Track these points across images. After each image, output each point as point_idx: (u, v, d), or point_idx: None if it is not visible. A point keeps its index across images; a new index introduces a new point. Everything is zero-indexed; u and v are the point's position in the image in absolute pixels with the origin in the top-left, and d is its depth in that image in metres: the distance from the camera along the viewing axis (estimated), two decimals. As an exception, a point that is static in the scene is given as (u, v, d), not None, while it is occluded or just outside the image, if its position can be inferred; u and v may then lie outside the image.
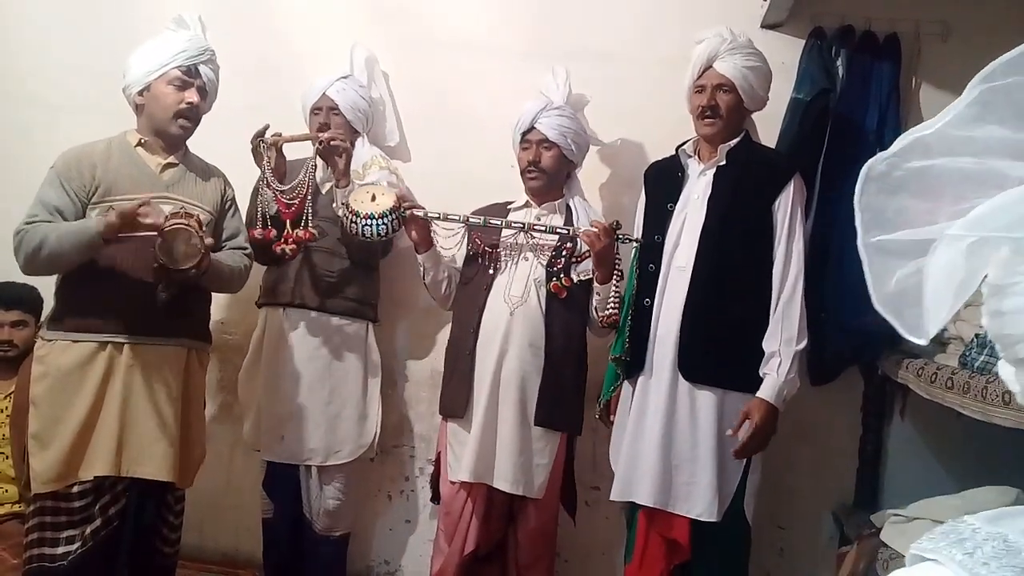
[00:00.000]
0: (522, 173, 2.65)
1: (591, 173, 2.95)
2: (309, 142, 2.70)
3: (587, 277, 2.53)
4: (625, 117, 2.96)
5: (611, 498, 2.48)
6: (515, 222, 2.57)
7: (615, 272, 2.44)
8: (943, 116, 0.75)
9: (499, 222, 2.56)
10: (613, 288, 2.43)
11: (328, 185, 2.74)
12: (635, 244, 2.47)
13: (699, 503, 2.30)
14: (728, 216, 2.37)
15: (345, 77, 2.84)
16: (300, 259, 2.72)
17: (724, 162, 2.42)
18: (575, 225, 2.55)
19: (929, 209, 0.75)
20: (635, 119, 2.96)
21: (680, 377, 2.34)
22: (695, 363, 2.33)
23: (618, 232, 2.42)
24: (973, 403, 1.87)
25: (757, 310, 2.35)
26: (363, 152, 2.84)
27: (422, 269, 2.64)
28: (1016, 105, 0.71)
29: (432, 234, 2.60)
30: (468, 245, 2.66)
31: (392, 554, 3.18)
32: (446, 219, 2.59)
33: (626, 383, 2.51)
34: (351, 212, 2.49)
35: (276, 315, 2.78)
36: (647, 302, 2.43)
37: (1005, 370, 0.74)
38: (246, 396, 2.86)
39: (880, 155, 0.78)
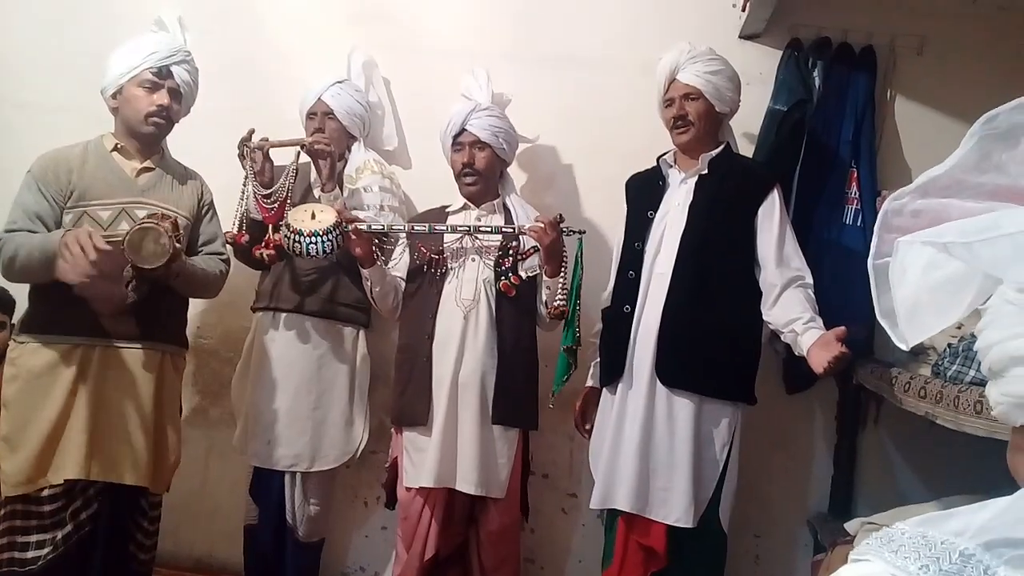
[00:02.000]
0: (457, 177, 2.66)
1: (558, 176, 2.99)
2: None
3: (534, 273, 2.55)
4: (607, 122, 2.99)
5: (591, 505, 2.48)
6: (460, 226, 2.58)
7: (562, 265, 2.47)
8: (951, 160, 0.81)
9: (445, 228, 2.58)
10: (561, 280, 2.46)
11: (318, 189, 2.73)
12: (578, 236, 2.49)
13: (675, 509, 2.30)
14: (709, 224, 2.39)
15: (341, 82, 2.83)
16: (291, 264, 2.72)
17: (706, 171, 2.44)
18: (515, 223, 2.57)
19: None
20: (614, 125, 2.98)
21: (658, 382, 2.35)
22: (673, 368, 2.34)
23: (562, 225, 2.45)
24: (945, 412, 1.89)
25: (736, 317, 2.37)
26: (359, 157, 2.83)
27: (368, 283, 2.62)
28: (1015, 153, 0.77)
29: (375, 249, 2.58)
30: (413, 254, 2.66)
31: (367, 560, 3.16)
32: (390, 231, 2.60)
33: (605, 390, 2.52)
34: (293, 232, 2.46)
35: (267, 320, 2.77)
36: (627, 308, 2.44)
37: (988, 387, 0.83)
38: (238, 401, 2.84)
39: (901, 190, 0.85)
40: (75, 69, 3.15)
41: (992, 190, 0.78)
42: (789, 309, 2.29)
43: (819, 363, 2.15)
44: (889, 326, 0.86)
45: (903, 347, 0.87)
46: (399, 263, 2.70)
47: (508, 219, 2.64)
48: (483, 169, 2.62)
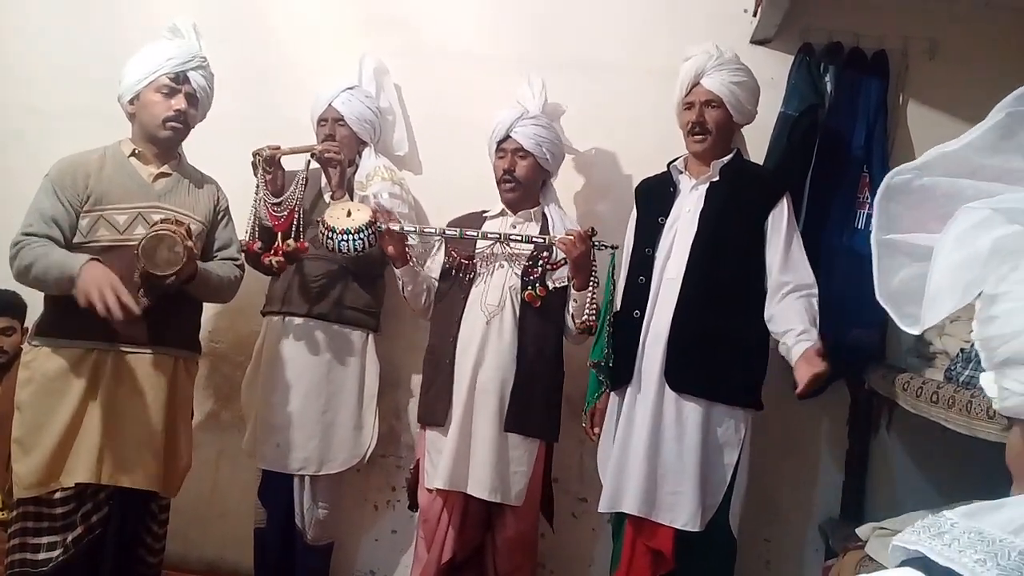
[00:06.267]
0: (498, 182, 2.67)
1: (566, 181, 2.96)
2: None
3: (562, 284, 2.55)
4: (620, 126, 2.99)
5: (599, 509, 2.48)
6: (491, 233, 2.58)
7: (591, 279, 2.45)
8: (968, 135, 0.79)
9: (475, 234, 2.58)
10: (590, 295, 2.45)
11: (328, 196, 2.74)
12: (611, 250, 2.48)
13: (683, 513, 2.30)
14: (719, 230, 2.39)
15: (351, 88, 2.83)
16: (301, 268, 2.73)
17: (717, 178, 2.44)
18: (551, 233, 2.57)
19: (942, 217, 0.79)
20: (626, 129, 2.98)
21: (667, 387, 2.35)
22: (682, 373, 2.34)
23: (594, 238, 2.44)
24: (958, 417, 1.88)
25: (745, 323, 2.37)
26: (369, 163, 2.83)
27: (400, 283, 2.65)
28: None
29: (408, 249, 2.60)
30: (445, 257, 2.67)
31: (378, 564, 3.16)
32: (422, 233, 2.61)
33: (614, 394, 2.51)
34: (327, 228, 2.51)
35: (276, 323, 2.78)
36: (636, 314, 2.43)
37: (986, 379, 0.78)
38: (248, 404, 2.85)
39: (904, 165, 0.82)
40: (85, 75, 3.18)
41: (1002, 172, 0.76)
42: (785, 318, 2.30)
43: (801, 378, 2.19)
44: (892, 308, 0.81)
45: (912, 332, 0.81)
46: (433, 264, 2.71)
47: (545, 228, 2.63)
48: (523, 177, 2.62)
